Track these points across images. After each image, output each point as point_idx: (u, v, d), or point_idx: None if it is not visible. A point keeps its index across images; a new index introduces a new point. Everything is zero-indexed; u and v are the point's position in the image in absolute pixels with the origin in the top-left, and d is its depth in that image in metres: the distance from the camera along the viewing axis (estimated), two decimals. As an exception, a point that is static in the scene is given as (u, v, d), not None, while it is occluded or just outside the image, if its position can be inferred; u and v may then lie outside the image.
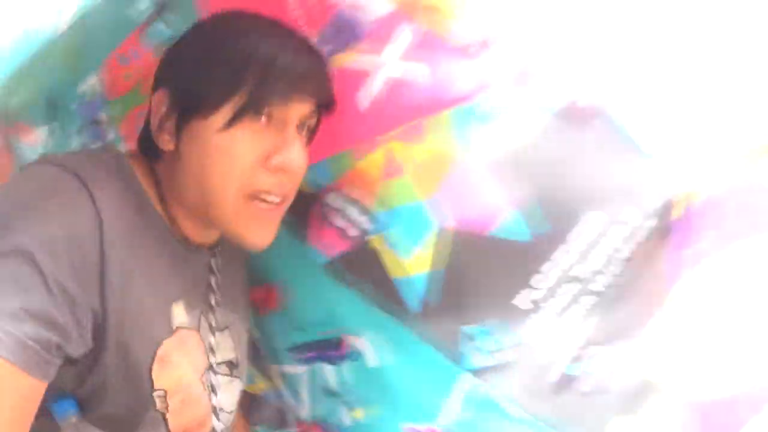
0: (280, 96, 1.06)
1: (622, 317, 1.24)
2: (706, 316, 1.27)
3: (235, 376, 1.29)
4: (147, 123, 1.15)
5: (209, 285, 1.24)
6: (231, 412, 1.27)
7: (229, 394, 1.26)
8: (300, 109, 1.10)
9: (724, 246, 1.26)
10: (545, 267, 1.18)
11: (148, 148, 1.14)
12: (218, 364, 1.23)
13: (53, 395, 0.97)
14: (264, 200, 1.09)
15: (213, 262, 1.26)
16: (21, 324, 0.88)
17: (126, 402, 1.06)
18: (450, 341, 1.27)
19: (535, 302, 1.19)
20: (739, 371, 1.29)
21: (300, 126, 1.12)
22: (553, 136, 1.19)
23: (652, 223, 1.22)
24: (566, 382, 1.25)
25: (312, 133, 1.17)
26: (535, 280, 1.18)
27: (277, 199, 1.11)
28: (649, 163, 1.22)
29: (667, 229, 1.24)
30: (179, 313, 1.14)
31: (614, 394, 1.28)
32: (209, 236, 1.21)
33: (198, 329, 1.19)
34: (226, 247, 1.30)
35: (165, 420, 1.10)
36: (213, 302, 1.23)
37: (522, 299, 1.19)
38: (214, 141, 1.06)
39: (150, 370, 1.06)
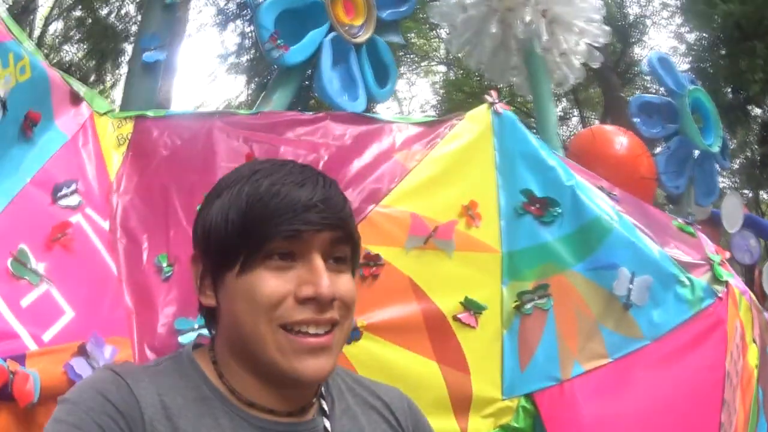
0: (285, 233, 1.15)
1: None
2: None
3: None
4: None
5: None
6: None
7: None
8: (319, 240, 1.18)
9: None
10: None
11: (208, 319, 1.30)
12: None
13: None
14: (306, 333, 1.16)
15: (327, 425, 1.27)
16: None
17: None
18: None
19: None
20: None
21: (329, 257, 1.20)
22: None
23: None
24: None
25: (350, 263, 1.26)
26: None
27: (320, 330, 1.17)
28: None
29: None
30: None
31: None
32: (285, 401, 1.23)
33: None
34: (346, 411, 1.35)
35: None
36: None
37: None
38: (238, 286, 1.17)
39: None
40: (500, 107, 2.46)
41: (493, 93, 2.48)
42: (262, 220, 1.15)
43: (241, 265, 1.16)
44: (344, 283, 1.21)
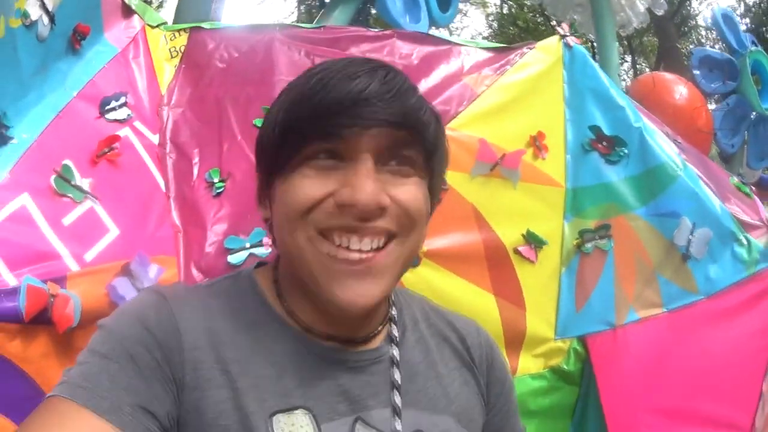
0: (325, 129, 1.03)
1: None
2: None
3: None
4: None
5: (392, 383, 1.17)
6: None
7: None
8: (370, 138, 1.03)
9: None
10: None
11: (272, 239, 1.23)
12: None
13: None
14: (346, 247, 1.03)
15: (395, 354, 1.19)
16: (121, 393, 0.98)
17: None
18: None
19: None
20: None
21: (390, 159, 1.06)
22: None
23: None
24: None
25: (424, 169, 1.10)
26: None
27: (364, 246, 1.04)
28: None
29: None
30: (291, 424, 1.06)
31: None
32: (345, 327, 1.15)
33: None
34: (420, 341, 1.26)
35: None
36: (397, 402, 1.15)
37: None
38: (280, 190, 1.08)
39: None
40: (571, 40, 2.37)
41: (565, 26, 2.39)
42: (304, 116, 1.03)
43: (284, 167, 1.05)
44: (407, 190, 1.06)
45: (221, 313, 1.12)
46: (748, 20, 16.31)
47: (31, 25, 1.68)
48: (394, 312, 1.25)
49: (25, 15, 1.65)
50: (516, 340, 2.07)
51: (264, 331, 1.12)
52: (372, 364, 1.16)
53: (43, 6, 1.71)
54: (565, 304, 2.19)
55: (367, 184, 1.01)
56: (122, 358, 1.01)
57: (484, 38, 21.17)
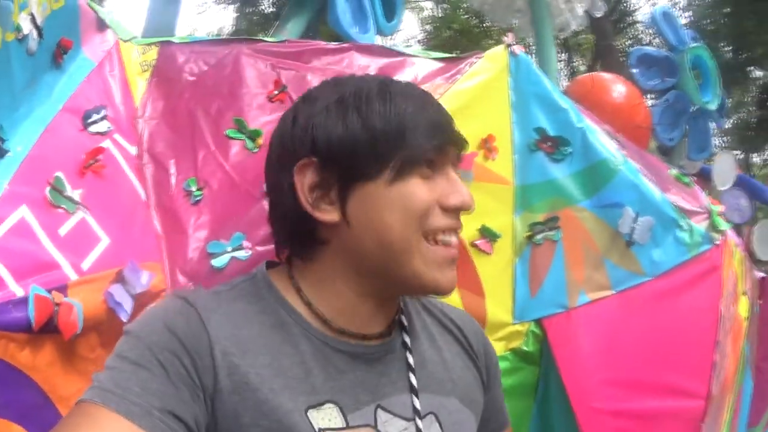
0: (438, 145, 1.22)
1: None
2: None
3: None
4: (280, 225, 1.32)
5: (408, 366, 1.29)
6: None
7: None
8: (453, 155, 1.27)
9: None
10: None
11: (298, 245, 1.29)
12: None
13: None
14: (445, 243, 1.23)
15: (406, 339, 1.32)
16: (151, 398, 1.03)
17: None
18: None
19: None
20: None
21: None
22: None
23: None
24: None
25: None
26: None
27: (455, 240, 1.25)
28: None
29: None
30: (321, 418, 1.15)
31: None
32: (377, 320, 1.29)
33: (374, 425, 1.20)
34: (424, 329, 1.40)
35: None
36: (414, 383, 1.28)
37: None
38: (389, 195, 1.19)
39: None
40: (517, 49, 2.50)
41: (510, 35, 2.52)
42: (419, 129, 1.20)
43: (397, 172, 1.18)
44: None
45: (247, 318, 1.20)
46: (690, 13, 16.43)
47: (23, 39, 1.72)
48: (401, 303, 1.38)
49: (18, 29, 1.69)
50: None
51: (287, 331, 1.21)
52: (386, 354, 1.29)
53: (33, 20, 1.75)
54: (520, 291, 2.32)
55: (466, 189, 1.24)
56: (152, 364, 1.07)
57: (417, 42, 21.08)
